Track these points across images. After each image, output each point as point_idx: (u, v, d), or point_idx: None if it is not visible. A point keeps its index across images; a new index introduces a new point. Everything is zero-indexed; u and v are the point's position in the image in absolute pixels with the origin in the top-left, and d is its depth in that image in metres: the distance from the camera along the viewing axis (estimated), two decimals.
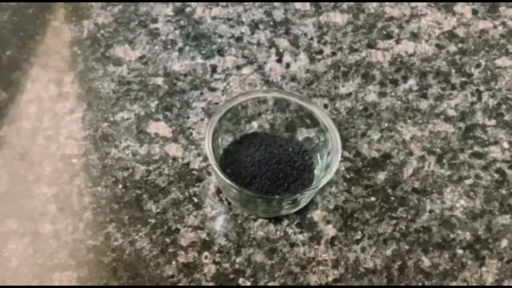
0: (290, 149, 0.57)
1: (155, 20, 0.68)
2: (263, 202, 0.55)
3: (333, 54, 0.66)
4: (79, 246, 0.54)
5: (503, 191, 0.59)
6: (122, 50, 0.65)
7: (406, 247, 0.56)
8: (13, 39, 0.66)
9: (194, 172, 0.58)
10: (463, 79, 0.66)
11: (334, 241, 0.56)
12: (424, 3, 0.71)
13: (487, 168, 0.60)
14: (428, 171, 0.59)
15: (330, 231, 0.56)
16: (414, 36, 0.68)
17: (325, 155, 0.56)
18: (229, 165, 0.56)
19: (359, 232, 0.56)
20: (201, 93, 0.63)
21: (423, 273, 0.54)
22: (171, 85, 0.63)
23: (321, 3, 0.70)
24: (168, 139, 0.60)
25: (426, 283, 0.54)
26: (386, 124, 0.62)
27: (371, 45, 0.67)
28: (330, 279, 0.54)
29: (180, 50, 0.66)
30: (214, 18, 0.68)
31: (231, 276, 0.54)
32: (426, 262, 0.55)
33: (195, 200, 0.57)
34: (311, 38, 0.67)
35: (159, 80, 0.64)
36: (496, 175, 0.60)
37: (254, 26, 0.68)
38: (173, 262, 0.54)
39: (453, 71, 0.66)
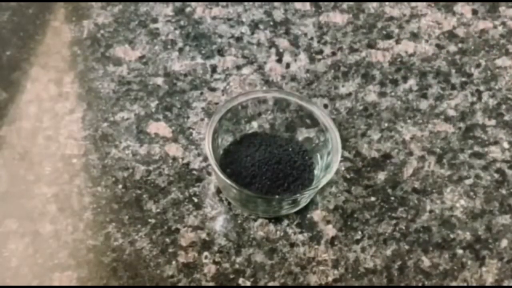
0: (290, 149, 0.57)
1: (155, 20, 0.68)
2: (263, 202, 0.55)
3: (333, 54, 0.66)
4: (79, 246, 0.54)
5: (503, 191, 0.59)
6: (122, 50, 0.65)
7: (406, 247, 0.56)
8: (13, 39, 0.66)
9: (194, 172, 0.58)
10: (463, 79, 0.66)
11: (334, 241, 0.55)
12: (424, 3, 0.71)
13: (487, 168, 0.60)
14: (428, 171, 0.59)
15: (330, 231, 0.56)
16: (414, 36, 0.68)
17: (325, 155, 0.56)
18: (229, 165, 0.56)
19: (359, 232, 0.56)
20: (201, 93, 0.63)
21: (423, 273, 0.54)
22: (171, 85, 0.63)
23: (321, 3, 0.70)
24: (168, 139, 0.60)
25: (426, 283, 0.54)
26: (386, 124, 0.62)
27: (371, 45, 0.67)
28: (330, 279, 0.54)
29: (180, 50, 0.66)
30: (214, 18, 0.68)
31: (231, 276, 0.54)
32: (426, 262, 0.55)
33: (195, 200, 0.57)
34: (311, 38, 0.67)
35: (159, 80, 0.64)
36: (496, 175, 0.60)
37: (254, 26, 0.68)
38: (173, 262, 0.54)
39: (453, 71, 0.66)
